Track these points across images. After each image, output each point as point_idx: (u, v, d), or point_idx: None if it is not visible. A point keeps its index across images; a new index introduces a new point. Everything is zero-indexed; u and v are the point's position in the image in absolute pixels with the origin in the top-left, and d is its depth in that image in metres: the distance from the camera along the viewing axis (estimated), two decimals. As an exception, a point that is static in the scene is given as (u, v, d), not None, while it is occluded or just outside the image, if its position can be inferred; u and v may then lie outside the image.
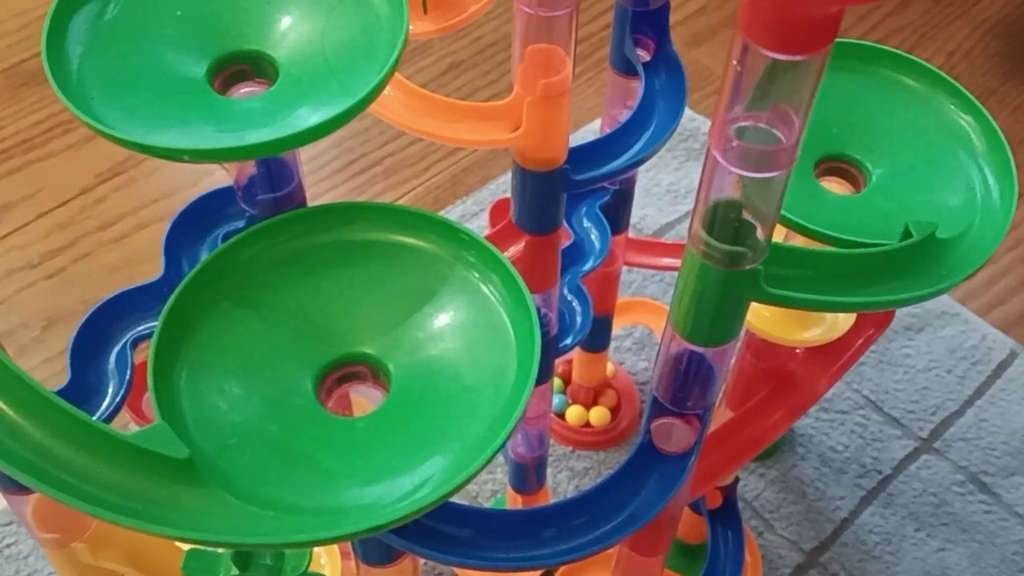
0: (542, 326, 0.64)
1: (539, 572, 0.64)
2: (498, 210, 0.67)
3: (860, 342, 0.57)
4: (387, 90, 0.53)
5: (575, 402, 0.92)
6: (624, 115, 0.60)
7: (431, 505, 0.35)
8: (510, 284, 0.42)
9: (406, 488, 0.37)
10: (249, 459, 0.38)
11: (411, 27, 0.55)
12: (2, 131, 1.14)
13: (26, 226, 1.06)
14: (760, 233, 0.40)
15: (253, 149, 0.39)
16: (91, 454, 0.35)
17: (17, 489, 0.47)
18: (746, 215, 0.39)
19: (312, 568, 0.55)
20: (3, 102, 1.17)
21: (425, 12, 0.55)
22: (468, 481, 0.36)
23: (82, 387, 0.47)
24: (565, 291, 0.68)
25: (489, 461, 0.37)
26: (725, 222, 0.39)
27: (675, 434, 0.49)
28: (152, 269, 0.50)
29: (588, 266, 0.69)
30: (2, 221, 1.06)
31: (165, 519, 0.34)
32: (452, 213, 1.06)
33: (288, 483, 0.37)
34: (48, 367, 0.95)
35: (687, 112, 1.14)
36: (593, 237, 0.70)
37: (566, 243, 0.68)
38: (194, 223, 0.51)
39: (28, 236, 1.05)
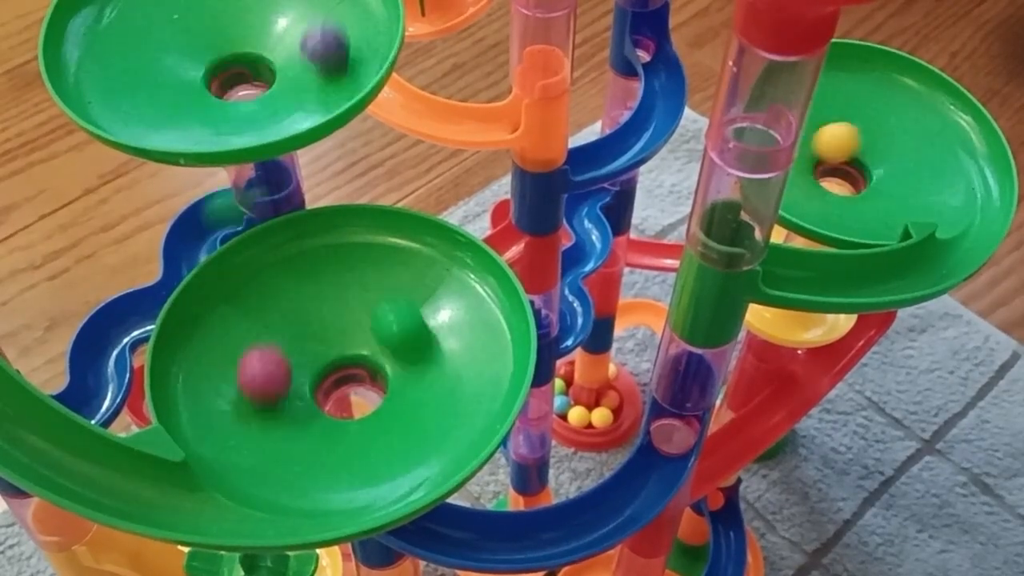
0: (542, 327, 0.65)
1: (541, 574, 0.63)
2: (500, 211, 0.67)
3: (861, 343, 0.56)
4: (386, 92, 0.53)
5: (577, 403, 0.92)
6: (624, 116, 0.60)
7: (427, 507, 0.35)
8: (506, 285, 0.42)
9: (402, 490, 0.37)
10: (245, 462, 0.38)
11: (410, 29, 0.55)
12: (5, 132, 1.14)
13: (29, 227, 1.06)
14: (758, 234, 0.40)
15: (249, 152, 0.39)
16: (87, 457, 0.35)
17: (17, 493, 0.47)
18: (744, 216, 0.39)
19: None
20: (6, 103, 1.17)
21: (423, 14, 0.55)
22: (464, 483, 0.36)
23: (81, 390, 0.47)
24: (566, 292, 0.68)
25: (485, 463, 0.37)
26: (723, 223, 0.39)
27: (675, 435, 0.49)
28: (155, 270, 0.50)
29: (589, 267, 0.69)
30: (5, 222, 1.07)
31: (161, 522, 0.34)
32: (454, 214, 1.06)
33: (284, 486, 0.37)
34: (51, 368, 0.95)
35: (690, 113, 1.14)
36: (594, 238, 0.70)
37: (567, 244, 0.68)
38: (193, 226, 0.51)
39: (31, 237, 1.05)
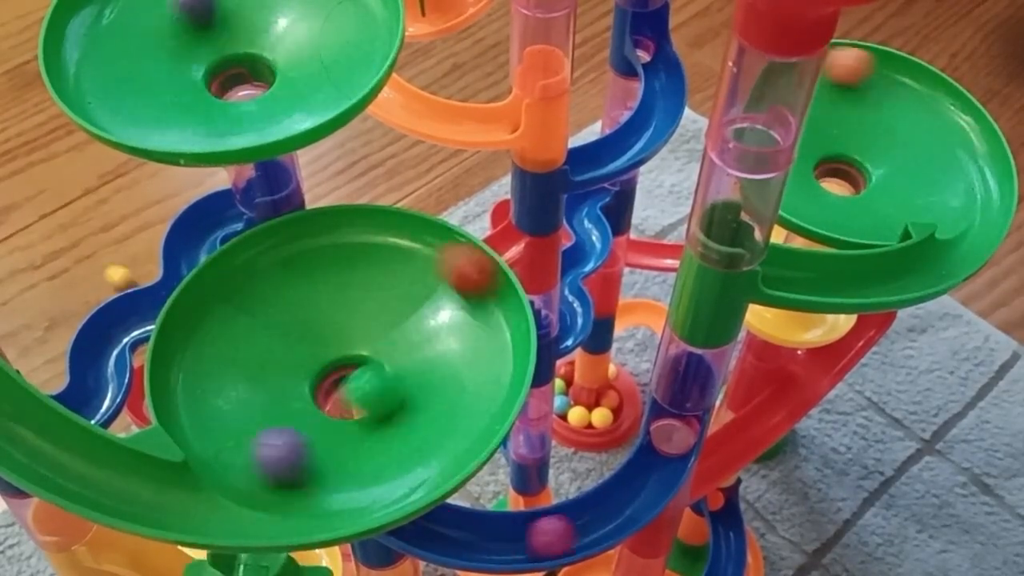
0: (542, 327, 0.65)
1: (541, 574, 0.63)
2: (500, 211, 0.67)
3: (861, 343, 0.56)
4: (386, 92, 0.53)
5: (577, 403, 0.92)
6: (624, 116, 0.60)
7: (426, 508, 0.35)
8: (506, 286, 0.42)
9: (402, 490, 0.37)
10: (245, 462, 0.37)
11: (410, 29, 0.55)
12: (5, 132, 1.14)
13: (29, 227, 1.06)
14: (758, 234, 0.39)
15: (249, 153, 0.39)
16: (86, 458, 0.35)
17: (17, 493, 0.47)
18: (744, 216, 0.39)
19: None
20: (6, 103, 1.17)
21: (423, 14, 0.55)
22: (463, 484, 0.36)
23: (81, 390, 0.47)
24: (566, 292, 0.68)
25: (485, 463, 0.37)
26: (723, 224, 0.39)
27: (675, 436, 0.49)
28: (155, 270, 0.50)
29: (589, 267, 0.69)
30: (5, 222, 1.07)
31: (161, 522, 0.34)
32: (454, 215, 1.06)
33: (284, 486, 0.37)
34: (51, 368, 0.95)
35: (690, 113, 1.14)
36: (594, 238, 0.70)
37: (567, 244, 0.68)
38: (193, 226, 0.51)
39: (31, 237, 1.05)
